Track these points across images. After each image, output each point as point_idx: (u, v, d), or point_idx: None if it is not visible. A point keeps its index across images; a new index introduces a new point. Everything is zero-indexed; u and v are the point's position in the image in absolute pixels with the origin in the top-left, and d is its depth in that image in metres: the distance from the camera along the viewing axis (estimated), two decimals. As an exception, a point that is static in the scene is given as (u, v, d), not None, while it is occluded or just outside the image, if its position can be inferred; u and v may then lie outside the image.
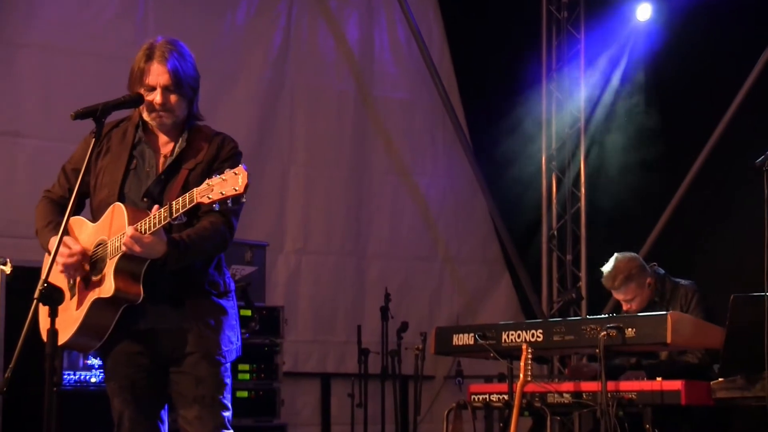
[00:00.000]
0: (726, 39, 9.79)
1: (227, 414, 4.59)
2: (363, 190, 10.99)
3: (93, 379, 7.81)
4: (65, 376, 7.68)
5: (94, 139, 4.45)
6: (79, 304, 4.48)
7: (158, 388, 4.65)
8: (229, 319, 4.64)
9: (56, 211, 4.70)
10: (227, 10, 10.32)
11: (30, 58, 9.34)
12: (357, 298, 10.77)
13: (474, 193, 11.31)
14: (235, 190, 4.08)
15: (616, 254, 7.44)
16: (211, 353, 4.54)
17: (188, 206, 4.19)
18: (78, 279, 4.56)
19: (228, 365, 4.64)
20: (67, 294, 4.57)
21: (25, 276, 6.85)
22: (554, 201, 11.39)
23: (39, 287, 4.07)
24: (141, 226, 4.30)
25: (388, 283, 10.00)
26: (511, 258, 11.20)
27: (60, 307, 4.47)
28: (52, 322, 4.07)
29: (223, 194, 4.09)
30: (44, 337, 4.47)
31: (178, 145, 4.61)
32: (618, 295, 7.41)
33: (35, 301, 4.07)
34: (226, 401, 4.60)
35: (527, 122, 11.10)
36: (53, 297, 4.10)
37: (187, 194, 4.20)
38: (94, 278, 4.46)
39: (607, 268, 7.37)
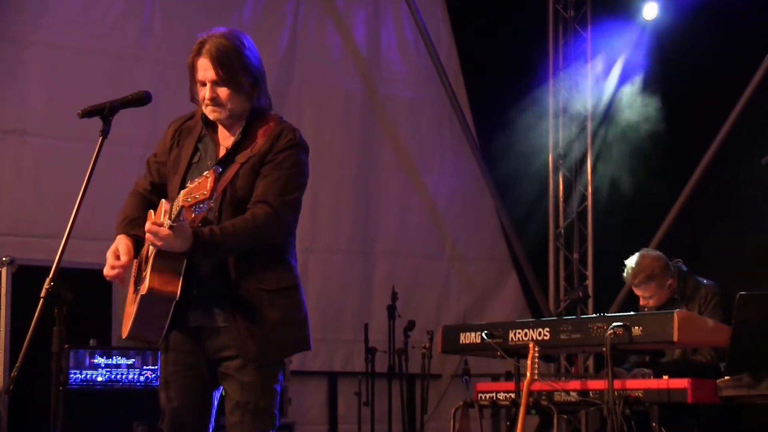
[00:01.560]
0: (732, 38, 9.79)
1: (271, 422, 4.45)
2: (370, 188, 10.99)
3: (99, 378, 7.82)
4: (71, 376, 7.68)
5: (101, 137, 4.41)
6: (135, 299, 4.46)
7: (205, 386, 4.54)
8: (281, 317, 4.46)
9: (139, 205, 4.62)
10: (234, 10, 10.33)
11: (37, 56, 9.36)
12: (364, 296, 10.77)
13: (481, 192, 11.32)
14: (203, 195, 4.01)
15: (641, 251, 7.42)
16: (255, 356, 4.40)
17: (178, 209, 4.12)
18: (139, 271, 4.52)
19: (277, 369, 4.50)
20: (133, 285, 4.55)
21: (31, 275, 6.87)
22: (561, 199, 11.40)
23: (46, 286, 4.07)
24: (164, 217, 4.25)
25: (395, 281, 9.99)
26: (518, 256, 11.20)
27: (129, 299, 4.50)
28: (59, 322, 4.06)
29: (196, 198, 4.03)
30: (123, 325, 4.50)
31: (235, 138, 4.54)
32: (637, 292, 7.39)
33: (41, 301, 4.07)
34: (271, 409, 4.46)
35: (534, 121, 11.10)
36: (60, 296, 4.10)
37: (178, 196, 4.16)
38: (144, 274, 4.43)
39: (630, 263, 7.33)
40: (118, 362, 7.89)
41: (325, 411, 10.54)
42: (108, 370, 7.82)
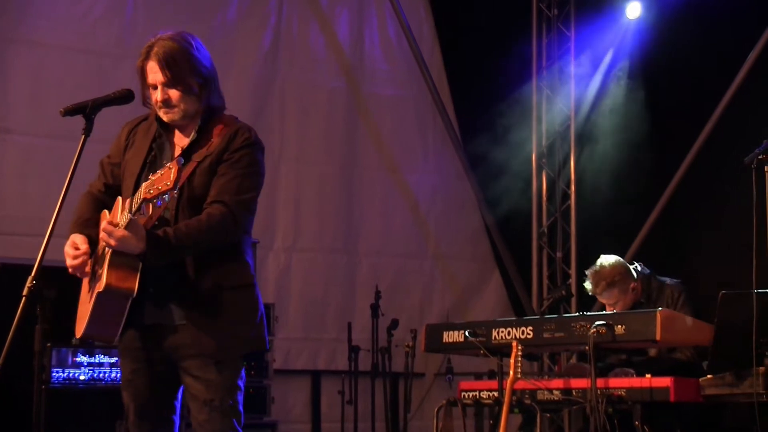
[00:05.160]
0: (715, 38, 9.81)
1: (237, 419, 4.49)
2: (353, 186, 10.99)
3: (82, 377, 7.79)
4: (54, 374, 7.65)
5: (84, 136, 4.41)
6: (91, 297, 4.45)
7: (166, 383, 4.55)
8: (238, 314, 4.49)
9: (91, 206, 4.61)
10: (218, 8, 10.32)
11: (20, 54, 9.34)
12: (347, 295, 10.77)
13: (464, 190, 11.33)
14: (167, 185, 4.03)
15: (600, 259, 7.39)
16: (213, 353, 4.42)
17: (139, 201, 4.15)
18: (94, 270, 4.52)
19: (238, 365, 4.52)
20: (87, 285, 4.54)
21: (14, 273, 6.84)
22: (544, 198, 11.40)
23: (28, 285, 4.05)
24: (121, 217, 4.25)
25: (378, 280, 10.00)
26: (502, 255, 11.21)
27: (83, 299, 4.48)
28: (42, 320, 4.04)
29: (159, 189, 4.05)
30: (77, 325, 4.45)
31: (190, 138, 4.55)
32: (601, 300, 7.41)
33: (24, 299, 4.05)
34: (237, 406, 4.49)
35: (518, 119, 11.10)
36: (42, 295, 4.08)
37: (139, 189, 4.19)
38: (99, 271, 4.42)
39: (590, 272, 7.35)
40: (101, 361, 7.87)
41: (309, 409, 10.53)
42: (91, 368, 7.80)
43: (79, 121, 4.41)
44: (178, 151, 4.54)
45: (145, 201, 4.15)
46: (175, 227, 4.33)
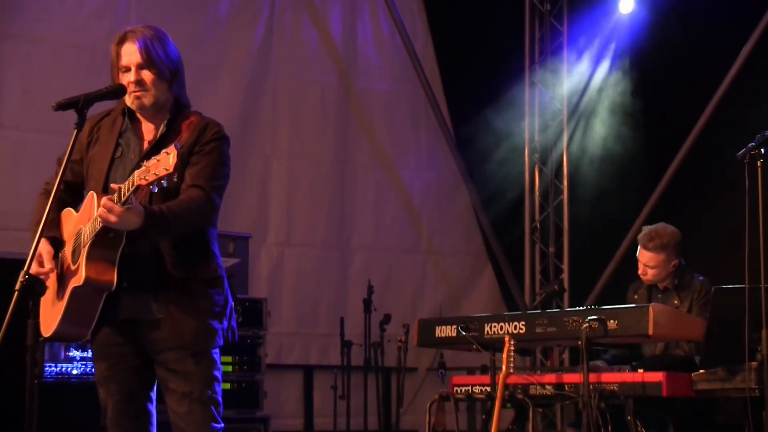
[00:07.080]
0: (708, 32, 9.81)
1: (217, 408, 4.57)
2: (346, 182, 10.98)
3: (74, 371, 7.78)
4: (46, 368, 7.65)
5: (76, 131, 4.42)
6: (62, 294, 4.47)
7: (142, 377, 4.61)
8: (212, 306, 4.58)
9: (53, 206, 4.54)
10: (210, 2, 10.30)
11: (12, 49, 9.31)
12: (340, 290, 10.77)
13: (457, 186, 11.32)
14: (166, 170, 4.07)
15: (663, 223, 7.44)
16: (192, 346, 4.50)
17: (131, 189, 4.17)
18: (63, 269, 4.54)
19: (214, 356, 4.60)
20: (55, 285, 4.55)
21: (5, 268, 6.81)
22: (537, 193, 11.41)
23: (20, 279, 4.05)
24: (115, 197, 4.25)
25: (371, 275, 10.01)
26: (494, 250, 11.21)
27: (48, 299, 4.48)
28: (35, 315, 4.04)
29: (156, 175, 4.09)
30: (44, 326, 4.48)
31: (159, 131, 4.60)
32: (643, 256, 7.35)
33: (16, 294, 4.05)
34: (215, 396, 4.57)
35: (510, 114, 11.10)
36: (35, 289, 4.07)
37: (130, 178, 4.20)
38: (72, 267, 4.45)
39: (651, 227, 7.37)
40: (94, 355, 7.87)
41: (301, 404, 10.53)
42: (83, 363, 7.79)
43: (71, 115, 4.42)
44: (146, 146, 4.60)
45: (140, 188, 4.17)
46: (167, 204, 4.40)
